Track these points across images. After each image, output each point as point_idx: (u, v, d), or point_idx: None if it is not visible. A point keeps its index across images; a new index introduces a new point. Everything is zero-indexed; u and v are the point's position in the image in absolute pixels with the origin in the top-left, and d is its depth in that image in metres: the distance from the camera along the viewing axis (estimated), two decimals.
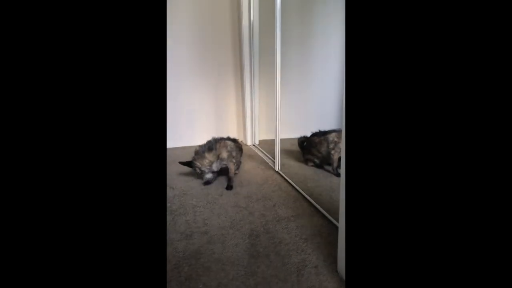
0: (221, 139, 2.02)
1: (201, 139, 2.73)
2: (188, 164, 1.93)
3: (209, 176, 1.89)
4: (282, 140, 2.13)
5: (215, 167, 1.90)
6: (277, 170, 2.13)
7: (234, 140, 2.10)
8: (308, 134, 2.24)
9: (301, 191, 1.74)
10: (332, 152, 2.01)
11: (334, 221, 1.37)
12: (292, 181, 1.88)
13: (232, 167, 1.93)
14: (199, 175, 1.91)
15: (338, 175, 1.96)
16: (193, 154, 1.93)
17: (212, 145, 1.91)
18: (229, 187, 1.82)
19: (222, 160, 1.90)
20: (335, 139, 2.01)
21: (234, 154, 1.97)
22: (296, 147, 2.40)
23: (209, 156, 1.87)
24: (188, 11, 2.57)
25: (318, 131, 2.16)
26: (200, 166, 1.87)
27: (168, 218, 1.46)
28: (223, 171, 1.98)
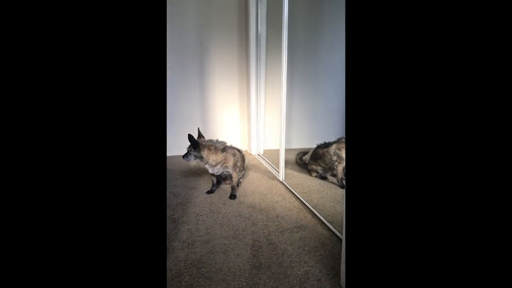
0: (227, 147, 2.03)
1: None
2: (195, 144, 1.77)
3: (191, 159, 1.79)
4: (287, 150, 2.13)
5: (216, 170, 1.88)
6: (281, 180, 2.12)
7: (238, 150, 2.12)
8: (313, 145, 2.23)
9: (305, 202, 1.73)
10: (336, 163, 2.00)
11: (338, 233, 1.35)
12: (296, 192, 1.87)
13: (235, 176, 1.92)
14: (186, 155, 1.79)
15: (343, 186, 1.94)
16: (204, 140, 1.82)
17: (226, 148, 1.90)
18: (232, 196, 1.82)
19: (226, 167, 1.90)
20: (337, 151, 2.00)
21: (238, 164, 1.97)
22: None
23: (220, 156, 1.85)
24: (196, 22, 2.63)
25: (323, 142, 2.16)
26: (204, 157, 1.78)
27: (171, 226, 1.46)
28: (224, 177, 2.01)
